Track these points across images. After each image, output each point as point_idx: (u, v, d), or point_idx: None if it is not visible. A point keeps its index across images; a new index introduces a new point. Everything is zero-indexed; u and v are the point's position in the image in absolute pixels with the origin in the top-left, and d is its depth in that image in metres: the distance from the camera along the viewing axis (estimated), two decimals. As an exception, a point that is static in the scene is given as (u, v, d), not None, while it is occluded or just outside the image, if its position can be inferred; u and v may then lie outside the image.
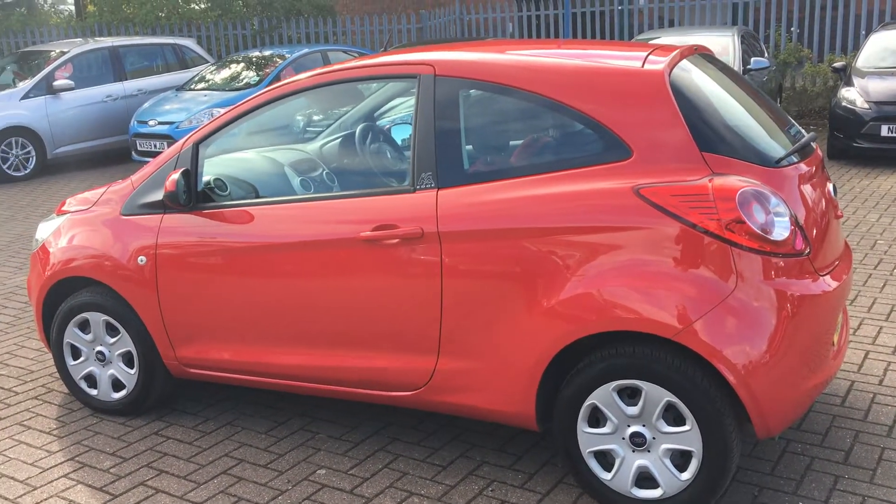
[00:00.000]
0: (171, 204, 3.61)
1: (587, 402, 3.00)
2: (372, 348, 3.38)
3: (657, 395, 2.87)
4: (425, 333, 3.25)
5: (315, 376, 3.55)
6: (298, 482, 3.40)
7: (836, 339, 3.16)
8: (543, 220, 3.01)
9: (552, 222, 3.00)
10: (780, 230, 2.83)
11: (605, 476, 3.03)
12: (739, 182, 2.84)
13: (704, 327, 2.77)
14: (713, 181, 2.84)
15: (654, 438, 2.93)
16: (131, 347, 3.89)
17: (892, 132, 8.82)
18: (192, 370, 3.82)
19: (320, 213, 3.45)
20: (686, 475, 2.89)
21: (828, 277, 3.01)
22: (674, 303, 2.81)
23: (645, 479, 3.01)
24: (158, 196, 3.68)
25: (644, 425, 2.94)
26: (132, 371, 3.92)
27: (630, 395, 2.97)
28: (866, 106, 9.00)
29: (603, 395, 2.96)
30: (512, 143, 3.42)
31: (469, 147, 3.35)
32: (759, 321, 2.79)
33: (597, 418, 3.05)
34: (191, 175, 3.60)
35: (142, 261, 3.72)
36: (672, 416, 2.91)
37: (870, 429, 3.57)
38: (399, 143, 4.26)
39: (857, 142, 9.04)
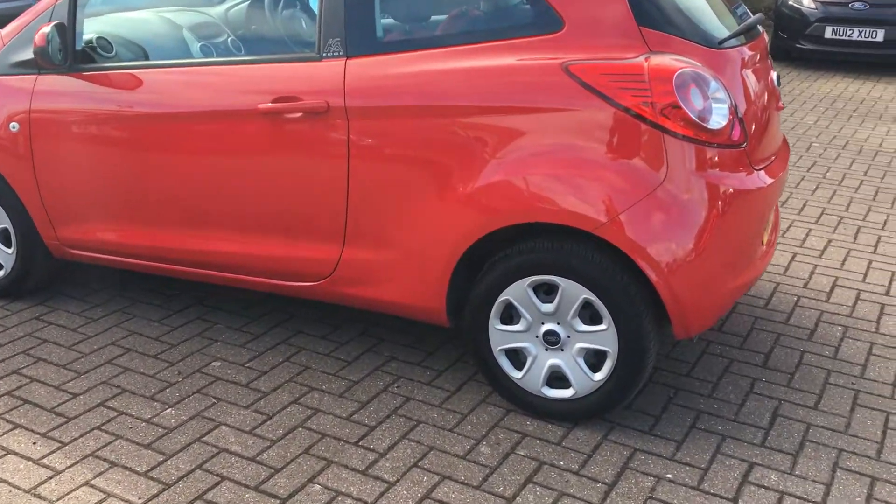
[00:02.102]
0: (43, 63, 3.18)
1: (500, 298, 2.79)
2: (272, 233, 3.10)
3: (574, 293, 2.67)
4: (329, 219, 2.98)
5: (209, 262, 3.25)
6: (190, 374, 3.15)
7: (765, 238, 2.99)
8: (461, 98, 2.71)
9: (470, 100, 2.70)
10: (718, 118, 2.59)
11: (516, 374, 2.86)
12: (677, 62, 2.57)
13: (629, 221, 2.55)
14: (649, 60, 2.57)
15: (568, 337, 2.75)
16: (7, 224, 3.51)
17: (835, 34, 8.64)
18: (75, 251, 3.48)
19: (216, 81, 3.08)
20: (599, 376, 2.74)
21: (763, 173, 2.81)
22: (597, 194, 2.57)
23: (557, 378, 2.85)
24: (31, 53, 3.24)
25: (559, 324, 2.75)
26: (9, 251, 3.56)
27: (546, 292, 2.76)
28: (812, 6, 8.77)
29: (517, 292, 2.75)
30: (433, 10, 3.07)
31: (384, 13, 2.99)
32: (687, 216, 2.58)
33: (510, 315, 2.85)
34: (67, 30, 3.16)
35: (14, 127, 3.31)
36: (588, 314, 2.73)
37: (791, 332, 3.47)
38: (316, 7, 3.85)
39: (800, 43, 8.85)
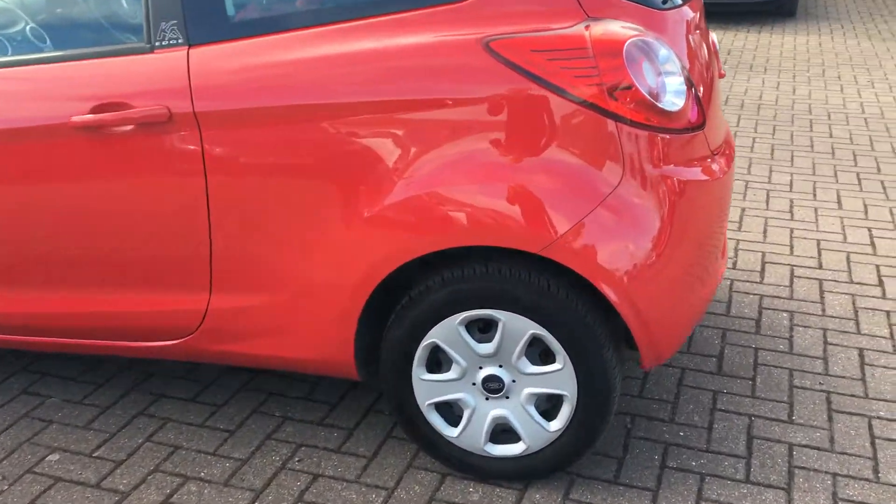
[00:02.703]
0: None
1: (425, 342, 2.20)
2: (114, 284, 2.36)
3: (519, 328, 2.12)
4: (188, 259, 2.28)
5: (35, 327, 2.47)
6: (18, 478, 2.38)
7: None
8: (349, 92, 2.07)
9: (361, 95, 2.07)
10: (673, 98, 2.08)
11: (451, 432, 2.29)
12: (624, 31, 2.04)
13: (581, 235, 2.01)
14: (591, 29, 2.02)
15: (514, 382, 2.20)
16: None
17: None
18: None
19: (13, 87, 2.28)
20: (556, 424, 2.21)
21: (722, 159, 2.34)
22: (541, 205, 2.01)
23: (503, 431, 2.30)
24: None
25: (501, 366, 2.19)
26: None
27: (483, 330, 2.20)
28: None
29: (446, 332, 2.16)
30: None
31: (234, -17, 2.29)
32: (646, 221, 2.07)
33: (438, 361, 2.27)
34: None
35: None
36: (537, 352, 2.19)
37: (736, 325, 3.08)
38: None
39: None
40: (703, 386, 2.72)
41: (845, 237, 3.77)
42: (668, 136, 2.08)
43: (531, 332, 2.11)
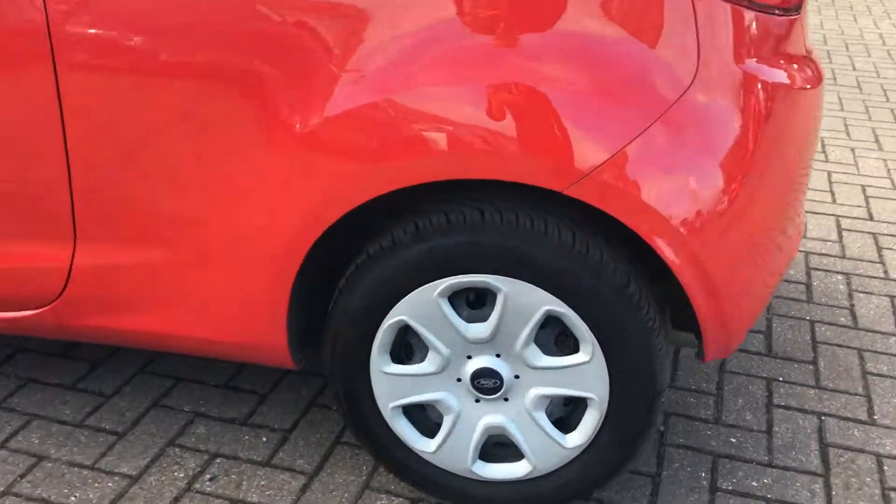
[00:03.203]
0: None
1: (389, 321, 1.50)
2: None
3: (528, 302, 1.43)
4: (40, 194, 1.55)
5: None
6: None
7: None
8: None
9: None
10: (768, -42, 1.39)
11: (425, 446, 1.61)
12: None
13: (629, 165, 1.32)
14: None
15: (517, 379, 1.53)
16: None
17: None
18: None
19: None
20: (576, 438, 1.55)
21: (813, 63, 1.66)
22: (565, 116, 1.32)
23: (498, 445, 1.63)
24: None
25: (499, 356, 1.52)
26: None
27: (474, 304, 1.52)
28: None
29: (420, 306, 1.48)
30: None
31: None
32: (722, 146, 1.38)
33: (408, 347, 1.59)
34: None
35: None
36: (552, 337, 1.51)
37: (782, 291, 2.44)
38: None
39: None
40: (751, 372, 2.08)
41: (894, 182, 3.14)
42: (762, 17, 1.39)
43: (546, 308, 1.43)
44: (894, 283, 2.48)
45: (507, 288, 1.43)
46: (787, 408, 1.95)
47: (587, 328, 1.44)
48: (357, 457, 1.81)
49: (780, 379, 2.05)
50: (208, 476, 1.76)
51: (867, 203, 2.97)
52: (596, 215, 1.45)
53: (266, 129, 1.41)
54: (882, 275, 2.52)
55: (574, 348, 1.50)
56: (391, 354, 1.56)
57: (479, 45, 1.34)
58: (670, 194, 1.34)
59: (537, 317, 1.44)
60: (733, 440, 1.85)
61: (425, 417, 1.64)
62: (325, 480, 1.75)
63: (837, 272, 2.53)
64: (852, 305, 2.36)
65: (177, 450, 1.83)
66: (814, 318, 2.31)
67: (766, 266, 1.52)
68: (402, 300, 1.48)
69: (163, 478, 1.75)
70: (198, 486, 1.73)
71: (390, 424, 1.60)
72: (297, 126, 1.39)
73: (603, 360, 1.46)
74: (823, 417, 1.92)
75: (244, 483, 1.74)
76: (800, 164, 1.58)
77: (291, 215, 1.44)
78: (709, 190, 1.37)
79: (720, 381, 2.04)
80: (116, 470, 1.77)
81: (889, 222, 2.84)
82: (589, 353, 1.46)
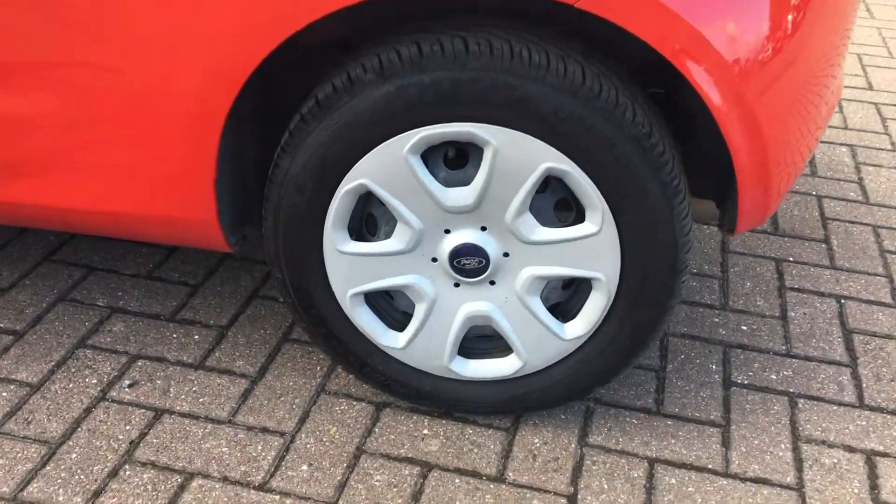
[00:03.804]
0: None
1: (347, 185, 1.18)
2: None
3: (523, 158, 1.13)
4: None
5: None
6: None
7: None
8: None
9: None
10: None
11: (392, 341, 1.32)
12: None
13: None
14: None
15: (506, 257, 1.23)
16: None
17: None
18: None
19: None
20: (577, 328, 1.27)
21: None
22: None
23: (483, 339, 1.36)
24: None
25: (485, 229, 1.22)
26: None
27: (453, 163, 1.20)
28: None
29: (385, 166, 1.16)
30: None
31: None
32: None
33: (371, 219, 1.28)
34: None
35: None
36: (548, 203, 1.22)
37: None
38: None
39: None
40: (758, 252, 1.83)
41: (890, 51, 2.88)
42: None
43: (546, 166, 1.13)
44: (903, 155, 2.24)
45: (497, 140, 1.12)
46: (801, 290, 1.71)
47: (597, 191, 1.14)
48: (309, 356, 1.52)
49: (791, 259, 1.81)
50: (127, 382, 1.45)
51: (865, 73, 2.70)
52: (609, 46, 1.13)
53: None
54: (889, 146, 2.27)
55: (578, 218, 1.21)
56: (349, 230, 1.25)
57: None
58: (716, 17, 1.03)
59: (535, 177, 1.14)
60: (744, 328, 1.61)
61: (392, 307, 1.34)
62: (272, 384, 1.46)
63: (841, 144, 2.27)
64: (860, 179, 2.11)
65: (88, 351, 1.51)
66: (820, 192, 2.05)
67: (811, 119, 1.23)
68: (363, 159, 1.16)
69: (70, 385, 1.44)
70: (114, 393, 1.43)
71: (349, 316, 1.31)
72: None
73: (615, 230, 1.17)
74: (843, 301, 1.69)
75: (171, 389, 1.44)
76: (854, 4, 1.28)
77: (208, 53, 1.09)
78: (760, 22, 1.06)
79: (724, 262, 1.79)
80: (13, 376, 1.45)
81: (889, 91, 2.58)
82: (597, 223, 1.17)
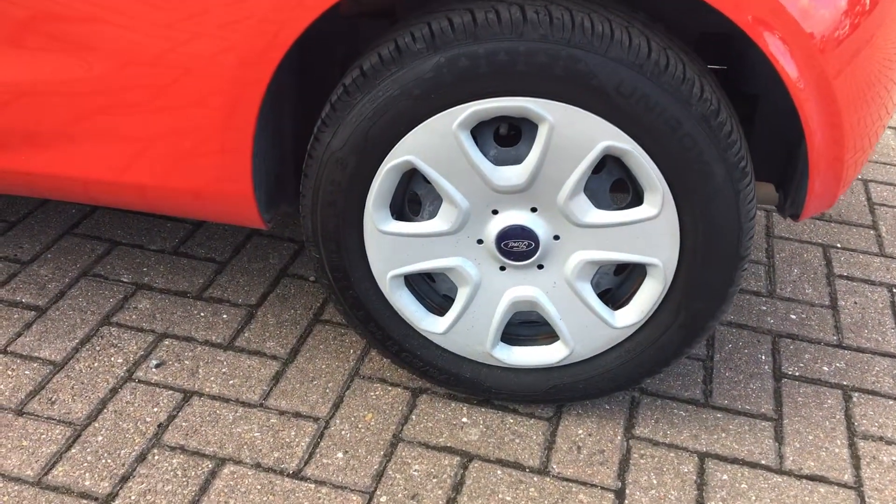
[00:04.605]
0: None
1: (392, 162, 1.12)
2: None
3: (580, 135, 1.06)
4: None
5: None
6: None
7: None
8: None
9: None
10: None
11: (433, 326, 1.26)
12: None
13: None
14: None
15: (556, 240, 1.17)
16: None
17: None
18: None
19: None
20: (629, 316, 1.21)
21: None
22: None
23: (527, 325, 1.30)
24: None
25: (535, 210, 1.15)
26: None
27: (505, 138, 1.14)
28: None
29: (433, 142, 1.09)
30: None
31: None
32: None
33: (415, 197, 1.22)
34: None
35: None
36: (604, 185, 1.15)
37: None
38: None
39: None
40: (804, 237, 1.76)
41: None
42: None
43: (605, 144, 1.06)
44: (952, 138, 2.15)
45: (553, 116, 1.05)
46: (850, 278, 1.64)
47: (658, 172, 1.08)
48: (342, 338, 1.47)
49: (839, 245, 1.74)
50: (154, 361, 1.40)
51: (909, 51, 2.61)
52: (668, 18, 1.06)
53: None
54: (936, 129, 2.19)
55: (635, 200, 1.14)
56: (391, 208, 1.19)
57: None
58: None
59: (592, 156, 1.07)
60: (793, 317, 1.54)
61: (433, 290, 1.29)
62: (303, 367, 1.40)
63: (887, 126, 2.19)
64: (908, 162, 2.04)
65: (113, 329, 1.46)
66: (867, 177, 1.98)
67: (885, 102, 1.16)
68: (409, 134, 1.10)
69: (95, 364, 1.39)
70: (140, 374, 1.37)
71: (388, 299, 1.25)
72: None
73: (675, 214, 1.11)
74: (894, 289, 1.62)
75: (200, 370, 1.39)
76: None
77: (248, 23, 1.02)
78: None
79: (769, 247, 1.72)
80: (35, 354, 1.40)
81: (935, 73, 2.49)
82: (657, 206, 1.10)
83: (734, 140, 1.06)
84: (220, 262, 1.64)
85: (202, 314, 1.51)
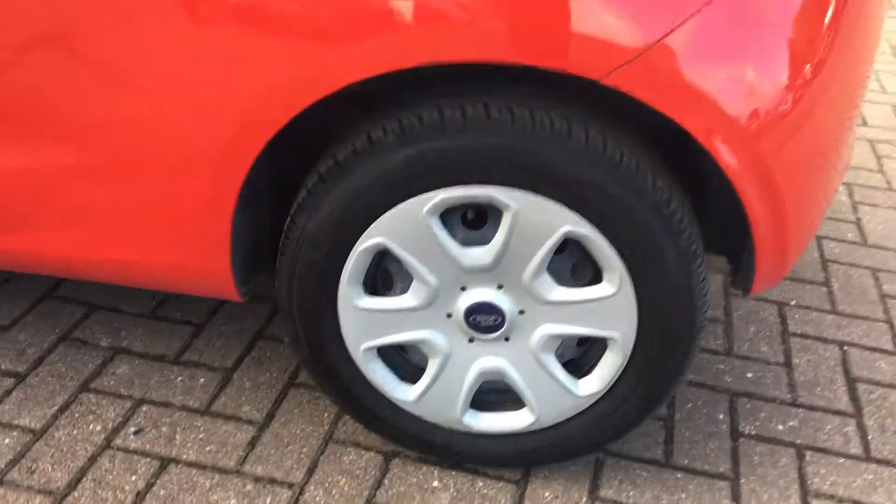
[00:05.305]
0: None
1: (364, 243, 1.18)
2: None
3: (543, 221, 1.13)
4: None
5: None
6: None
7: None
8: None
9: None
10: None
11: (405, 394, 1.32)
12: None
13: (679, 50, 1.01)
14: None
15: (522, 315, 1.23)
16: None
17: None
18: None
19: None
20: (591, 385, 1.28)
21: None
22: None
23: (495, 392, 1.35)
24: None
25: (501, 287, 1.21)
26: None
27: (473, 223, 1.20)
28: None
29: (404, 225, 1.15)
30: None
31: None
32: (791, 32, 1.08)
33: (387, 274, 1.27)
34: None
35: None
36: (566, 264, 1.22)
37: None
38: None
39: None
40: (760, 295, 1.84)
41: (883, 86, 2.91)
42: None
43: (565, 229, 1.13)
44: (900, 194, 2.26)
45: (517, 204, 1.12)
46: (804, 336, 1.72)
47: (615, 255, 1.14)
48: (316, 401, 1.51)
49: (794, 303, 1.82)
50: (132, 428, 1.44)
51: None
52: (628, 115, 1.13)
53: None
54: (884, 185, 2.30)
55: (595, 278, 1.21)
56: (365, 284, 1.24)
57: None
58: (732, 84, 1.04)
59: (554, 240, 1.14)
60: (750, 375, 1.62)
61: (404, 360, 1.34)
62: (279, 432, 1.45)
63: (839, 182, 2.29)
64: (858, 219, 2.14)
65: (92, 395, 1.50)
66: (820, 233, 2.07)
67: (827, 176, 1.24)
68: (381, 218, 1.16)
69: (75, 431, 1.42)
70: (119, 441, 1.41)
71: (361, 369, 1.30)
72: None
73: (632, 292, 1.17)
74: (846, 347, 1.70)
75: (177, 436, 1.42)
76: (873, 51, 1.29)
77: (233, 111, 1.08)
78: (775, 83, 1.07)
79: (727, 305, 1.80)
80: (15, 422, 1.43)
81: (883, 127, 2.61)
82: (615, 285, 1.17)
83: (685, 226, 1.13)
84: (196, 325, 1.68)
85: (179, 378, 1.55)
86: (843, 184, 2.28)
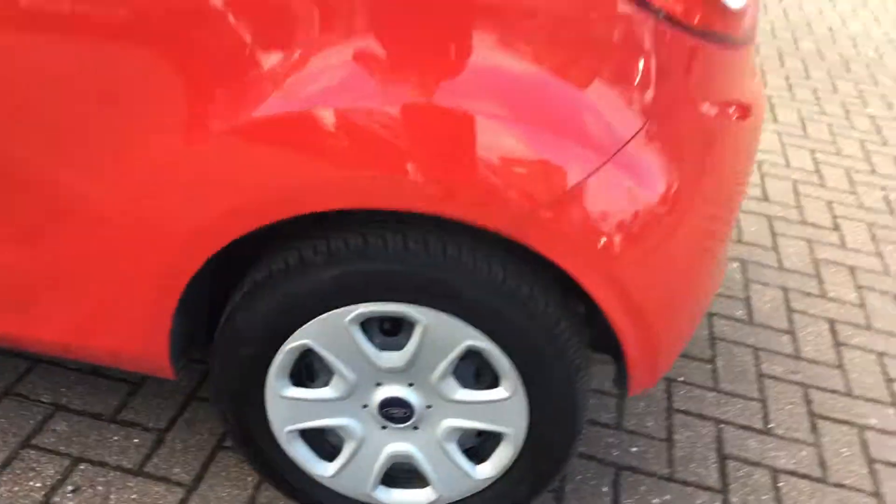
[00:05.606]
0: None
1: (291, 344, 1.34)
2: None
3: (449, 335, 1.30)
4: None
5: None
6: None
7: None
8: None
9: None
10: (737, -22, 1.26)
11: (323, 471, 1.48)
12: None
13: (581, 203, 1.19)
14: None
15: (429, 409, 1.41)
16: None
17: None
18: None
19: None
20: (487, 470, 1.45)
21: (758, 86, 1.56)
22: (519, 150, 1.16)
23: (404, 470, 1.52)
24: None
25: (412, 385, 1.38)
26: None
27: (389, 330, 1.37)
28: None
29: (328, 331, 1.31)
30: None
31: None
32: (675, 181, 1.27)
33: (310, 367, 1.43)
34: None
35: None
36: (468, 369, 1.39)
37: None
38: None
39: None
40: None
41: (788, 160, 3.17)
42: (720, 47, 1.26)
43: (468, 343, 1.30)
44: (788, 273, 2.50)
45: (427, 319, 1.29)
46: (686, 413, 1.93)
47: (511, 365, 1.32)
48: (241, 465, 1.66)
49: (681, 379, 2.03)
50: (70, 487, 1.56)
51: (762, 182, 2.98)
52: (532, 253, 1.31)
53: (188, 112, 1.18)
54: (775, 264, 2.53)
55: (493, 382, 1.39)
56: (289, 376, 1.40)
57: (445, 63, 1.14)
58: (618, 238, 1.22)
59: (458, 351, 1.31)
60: (634, 449, 1.82)
61: (323, 439, 1.50)
62: (206, 494, 1.59)
63: (733, 259, 2.52)
64: (748, 297, 2.36)
65: (32, 452, 1.61)
66: (711, 309, 2.29)
67: (694, 295, 1.44)
68: (308, 323, 1.31)
69: (16, 488, 1.54)
70: (57, 499, 1.53)
71: (284, 448, 1.45)
72: (224, 119, 1.16)
73: (524, 397, 1.35)
74: (721, 425, 1.92)
75: (112, 496, 1.55)
76: (743, 178, 1.49)
77: (193, 219, 1.22)
78: (651, 230, 1.25)
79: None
80: (-41, 479, 1.54)
81: (783, 204, 2.86)
82: (510, 390, 1.35)
83: (572, 344, 1.31)
84: (133, 383, 1.80)
85: (115, 438, 1.67)
86: (738, 259, 2.51)
